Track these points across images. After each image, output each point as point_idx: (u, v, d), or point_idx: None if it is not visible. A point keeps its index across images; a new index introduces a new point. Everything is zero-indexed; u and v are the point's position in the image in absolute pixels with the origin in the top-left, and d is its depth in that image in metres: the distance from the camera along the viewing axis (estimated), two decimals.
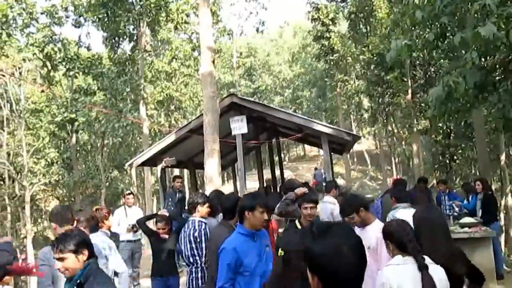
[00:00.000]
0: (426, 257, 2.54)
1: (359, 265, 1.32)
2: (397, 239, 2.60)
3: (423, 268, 2.41)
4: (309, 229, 1.46)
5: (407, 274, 2.44)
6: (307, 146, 47.24)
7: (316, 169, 26.95)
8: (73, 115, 19.72)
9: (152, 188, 21.46)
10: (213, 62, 7.22)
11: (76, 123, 20.24)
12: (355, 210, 3.58)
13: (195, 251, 4.20)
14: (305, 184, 11.65)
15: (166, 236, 5.40)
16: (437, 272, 2.48)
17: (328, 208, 6.18)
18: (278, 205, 4.90)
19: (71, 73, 19.17)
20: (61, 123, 20.88)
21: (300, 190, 4.74)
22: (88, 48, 20.82)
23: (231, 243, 3.17)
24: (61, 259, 2.46)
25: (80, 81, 21.77)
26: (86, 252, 2.48)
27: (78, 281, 2.43)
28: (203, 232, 4.20)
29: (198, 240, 4.17)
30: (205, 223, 4.33)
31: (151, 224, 6.43)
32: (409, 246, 2.54)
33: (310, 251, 1.37)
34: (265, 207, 3.31)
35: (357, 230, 3.61)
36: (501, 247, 8.70)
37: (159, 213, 6.05)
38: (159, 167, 9.20)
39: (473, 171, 18.58)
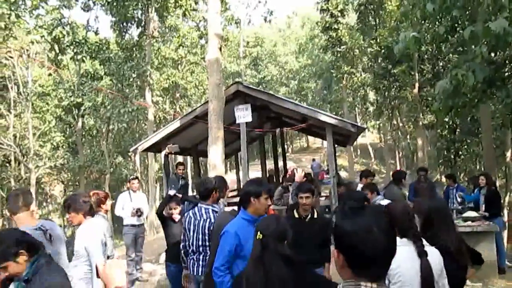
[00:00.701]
0: (424, 241, 2.57)
1: (387, 246, 1.34)
2: (401, 223, 2.59)
3: (422, 255, 2.45)
4: (341, 208, 1.54)
5: (405, 256, 2.44)
6: (310, 138, 47.22)
7: (314, 160, 27.21)
8: (79, 100, 19.74)
9: (156, 175, 21.55)
10: (220, 49, 7.19)
11: (83, 108, 20.26)
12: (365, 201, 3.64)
13: (207, 242, 4.05)
14: (307, 175, 11.69)
15: (178, 217, 5.24)
16: (433, 255, 2.52)
17: None
18: (290, 197, 4.99)
19: (79, 57, 19.14)
20: (67, 107, 20.92)
21: (300, 177, 4.83)
22: (96, 33, 20.77)
23: (233, 227, 3.18)
24: (3, 269, 2.32)
25: (87, 66, 21.77)
26: (24, 252, 2.33)
27: (26, 278, 2.33)
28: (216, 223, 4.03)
29: (211, 232, 3.99)
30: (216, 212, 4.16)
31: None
32: (410, 232, 2.57)
33: (340, 229, 1.37)
34: (270, 193, 3.34)
35: None
36: (504, 243, 8.68)
37: (170, 191, 5.89)
38: (162, 154, 9.21)
39: (478, 167, 18.51)
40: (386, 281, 2.38)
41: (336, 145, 15.57)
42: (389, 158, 31.91)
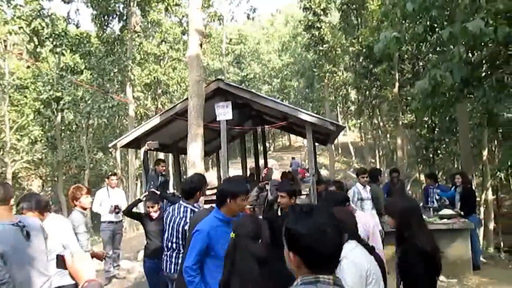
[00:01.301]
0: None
1: (340, 244, 1.46)
2: (350, 227, 2.69)
3: (373, 251, 2.63)
4: (292, 211, 1.54)
5: (367, 255, 2.60)
6: (292, 136, 47.39)
7: (293, 158, 27.44)
8: (59, 94, 19.36)
9: (136, 172, 21.33)
10: (201, 45, 7.12)
11: (62, 102, 19.87)
12: (338, 205, 3.61)
13: (181, 240, 4.07)
14: (288, 174, 11.71)
15: (156, 215, 5.26)
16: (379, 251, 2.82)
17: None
18: (269, 193, 5.00)
19: (58, 50, 18.77)
20: (46, 101, 20.47)
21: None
22: (77, 26, 20.40)
23: (205, 225, 3.11)
24: None
25: (67, 59, 21.37)
26: None
27: None
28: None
29: (186, 233, 3.98)
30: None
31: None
32: (356, 234, 2.72)
33: (294, 231, 1.44)
34: (247, 194, 3.28)
35: None
36: (479, 240, 8.87)
37: (142, 196, 5.93)
38: (142, 150, 9.11)
39: (455, 166, 18.84)
40: (362, 284, 2.44)
41: (317, 144, 15.67)
42: (370, 156, 32.29)
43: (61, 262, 1.65)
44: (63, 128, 23.03)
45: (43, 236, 3.17)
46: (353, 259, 2.49)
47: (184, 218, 4.03)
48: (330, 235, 1.40)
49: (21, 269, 2.84)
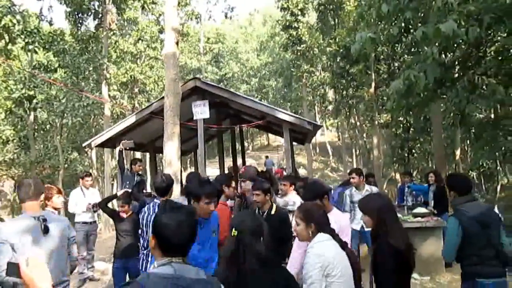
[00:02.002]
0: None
1: (191, 237, 1.80)
2: (320, 221, 2.75)
3: (345, 246, 2.66)
4: (163, 205, 1.87)
5: (336, 249, 2.62)
6: (271, 136, 47.50)
7: (267, 157, 27.65)
8: (31, 92, 18.89)
9: (112, 172, 21.00)
10: (177, 43, 7.05)
11: (35, 101, 19.40)
12: (319, 197, 3.61)
13: None
14: (265, 172, 11.70)
15: (125, 215, 5.30)
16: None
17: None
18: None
19: (31, 47, 18.28)
20: (18, 100, 19.96)
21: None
22: (50, 23, 19.90)
23: None
24: None
25: (40, 57, 20.86)
26: None
27: None
28: None
29: None
30: None
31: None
32: (327, 227, 2.74)
33: (160, 220, 1.78)
34: (212, 197, 3.21)
35: None
36: None
37: (119, 192, 5.89)
38: (117, 150, 8.98)
39: (430, 165, 19.24)
40: (323, 275, 2.46)
41: (295, 143, 15.74)
42: (347, 156, 32.63)
43: (13, 269, 1.50)
44: (36, 127, 22.50)
45: (61, 235, 3.17)
46: (317, 251, 2.58)
47: None
48: (184, 229, 1.76)
49: None
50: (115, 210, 5.69)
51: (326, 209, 3.59)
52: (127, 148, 7.64)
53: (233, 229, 2.42)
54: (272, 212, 4.23)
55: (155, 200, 4.17)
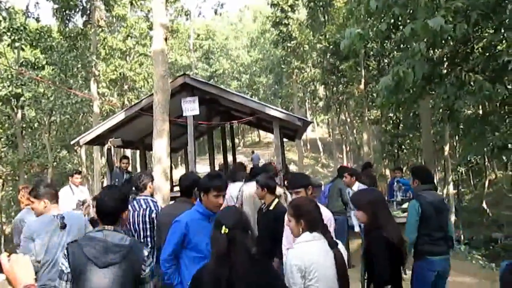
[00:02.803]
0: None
1: (115, 211, 2.47)
2: (310, 217, 2.62)
3: (334, 246, 2.52)
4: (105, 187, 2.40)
5: (318, 250, 2.50)
6: (262, 132, 47.53)
7: (253, 152, 27.81)
8: (18, 90, 18.64)
9: (102, 170, 20.86)
10: (166, 40, 7.01)
11: (22, 99, 19.16)
12: (304, 186, 3.63)
13: (150, 232, 4.09)
14: (268, 165, 11.67)
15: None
16: (340, 246, 2.62)
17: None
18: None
19: (17, 44, 18.05)
20: (5, 98, 19.69)
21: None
22: (37, 20, 19.64)
23: (185, 217, 3.11)
24: None
25: (27, 54, 20.59)
26: None
27: None
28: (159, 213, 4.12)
29: (155, 221, 4.04)
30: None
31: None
32: (320, 225, 2.62)
33: (98, 197, 2.61)
34: (221, 190, 3.19)
35: None
36: None
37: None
38: (105, 148, 8.92)
39: (419, 160, 19.39)
40: (301, 277, 2.42)
41: (285, 140, 15.77)
42: (337, 152, 32.80)
43: None
44: (24, 125, 22.21)
45: (81, 229, 3.37)
46: (295, 252, 2.53)
47: (148, 208, 4.13)
48: (109, 202, 2.44)
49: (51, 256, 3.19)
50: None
51: None
52: (115, 146, 7.60)
53: (223, 226, 2.31)
54: (271, 208, 4.24)
55: (139, 197, 4.22)
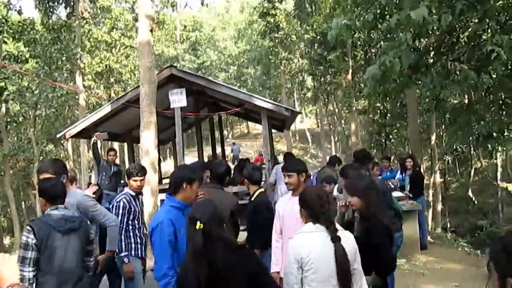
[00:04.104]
0: (337, 224, 2.58)
1: (60, 192, 3.02)
2: (312, 208, 2.54)
3: (336, 240, 2.40)
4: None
5: (317, 242, 2.43)
6: (251, 124, 47.48)
7: (234, 144, 27.98)
8: (2, 84, 18.32)
9: (90, 163, 20.68)
10: (152, 31, 6.94)
11: (6, 92, 18.84)
12: (298, 171, 3.59)
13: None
14: (246, 160, 11.70)
15: None
16: (348, 240, 2.51)
17: None
18: None
19: None
20: None
21: None
22: (19, 12, 19.27)
23: (166, 215, 2.90)
24: None
25: (10, 47, 20.21)
26: None
27: None
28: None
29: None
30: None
31: None
32: (322, 217, 2.49)
33: (41, 183, 3.15)
34: (202, 181, 3.24)
35: (288, 196, 3.67)
36: (428, 221, 9.29)
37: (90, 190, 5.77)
38: (91, 142, 8.85)
39: (406, 150, 19.57)
40: (298, 268, 2.39)
41: (274, 131, 15.77)
42: (326, 142, 32.93)
43: None
44: (8, 120, 21.88)
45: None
46: (295, 242, 2.49)
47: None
48: (57, 186, 3.00)
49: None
50: None
51: (299, 188, 3.57)
52: (101, 140, 7.56)
53: (197, 222, 2.24)
54: (252, 199, 4.25)
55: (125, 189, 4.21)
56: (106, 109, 8.70)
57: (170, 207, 2.97)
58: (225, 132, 39.43)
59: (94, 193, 4.26)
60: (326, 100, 27.10)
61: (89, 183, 7.19)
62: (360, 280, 2.52)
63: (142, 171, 4.10)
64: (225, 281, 2.16)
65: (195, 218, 2.27)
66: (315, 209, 2.51)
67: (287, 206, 3.55)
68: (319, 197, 2.55)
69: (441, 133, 20.99)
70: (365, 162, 5.36)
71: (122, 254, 3.96)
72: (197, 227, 2.23)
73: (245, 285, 2.19)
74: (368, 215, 2.97)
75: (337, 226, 2.55)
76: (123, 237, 3.92)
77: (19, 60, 19.75)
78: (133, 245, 4.02)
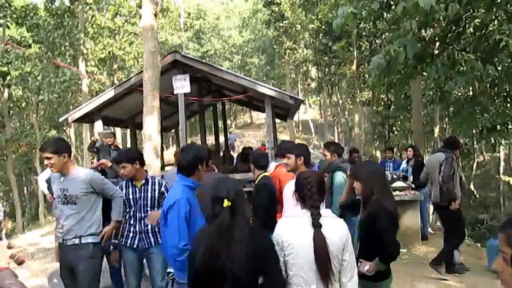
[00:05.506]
0: (327, 211, 2.49)
1: None
2: (299, 190, 2.50)
3: (316, 226, 2.32)
4: None
5: (300, 227, 2.36)
6: (254, 114, 47.41)
7: (230, 133, 28.21)
8: (4, 68, 18.29)
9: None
10: (155, 15, 6.88)
11: (8, 77, 18.81)
12: (296, 154, 3.68)
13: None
14: (249, 149, 11.69)
15: None
16: (339, 228, 2.41)
17: None
18: None
19: (2, 21, 17.59)
20: None
21: None
22: None
23: (182, 194, 2.90)
24: None
25: (13, 32, 20.13)
26: None
27: None
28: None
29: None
30: None
31: None
32: (308, 201, 2.42)
33: None
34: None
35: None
36: (429, 212, 9.27)
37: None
38: (95, 132, 8.88)
39: (409, 142, 19.50)
40: (280, 251, 2.33)
41: (278, 120, 15.74)
42: (329, 134, 32.89)
43: None
44: (11, 105, 21.90)
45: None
46: (279, 225, 2.46)
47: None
48: None
49: None
50: None
51: (295, 171, 3.78)
52: (105, 138, 7.63)
53: (224, 200, 2.21)
54: (256, 182, 4.31)
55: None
56: (110, 93, 8.67)
57: (184, 186, 2.98)
58: (228, 122, 39.38)
59: (96, 167, 4.33)
60: (330, 91, 27.00)
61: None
62: (350, 272, 2.40)
63: (125, 157, 3.95)
64: (240, 258, 2.13)
65: (221, 196, 2.24)
66: (302, 192, 2.46)
67: (289, 189, 3.60)
68: (308, 180, 2.47)
69: (444, 126, 20.90)
70: (453, 148, 5.85)
71: (111, 241, 3.98)
72: (225, 204, 2.20)
73: (253, 266, 2.16)
74: (370, 201, 2.96)
75: (328, 213, 2.47)
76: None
77: (22, 45, 19.70)
78: (125, 233, 3.99)
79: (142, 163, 4.09)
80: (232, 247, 2.13)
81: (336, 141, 31.99)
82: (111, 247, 4.07)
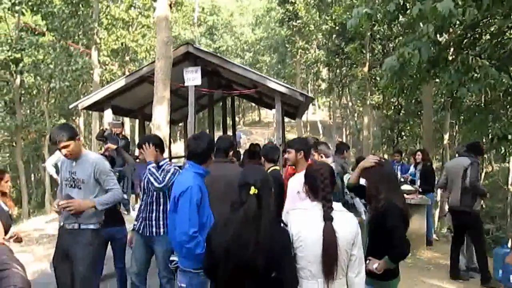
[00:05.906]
0: (338, 204, 2.43)
1: None
2: (311, 183, 2.46)
3: (327, 219, 2.28)
4: None
5: (310, 220, 2.32)
6: (262, 112, 47.42)
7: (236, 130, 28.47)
8: (18, 55, 18.38)
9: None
10: (170, 6, 6.88)
11: (21, 64, 18.91)
12: (296, 148, 3.73)
13: None
14: (256, 145, 11.64)
15: None
16: (349, 223, 2.37)
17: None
18: None
19: (17, 8, 17.67)
20: (4, 63, 19.41)
21: None
22: None
23: (194, 181, 2.88)
24: None
25: (27, 20, 20.23)
26: None
27: None
28: None
29: None
30: None
31: None
32: (320, 193, 2.37)
33: None
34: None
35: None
36: (434, 218, 9.21)
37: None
38: (105, 118, 8.90)
39: (418, 147, 19.39)
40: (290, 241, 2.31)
41: (286, 119, 15.69)
42: (337, 135, 32.77)
43: None
44: (22, 91, 22.02)
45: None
46: (289, 217, 2.43)
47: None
48: None
49: None
50: None
51: (296, 166, 3.86)
52: (113, 128, 7.65)
53: (251, 187, 2.19)
54: None
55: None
56: (120, 82, 8.70)
57: (195, 174, 2.96)
58: (236, 119, 39.42)
59: (104, 152, 4.29)
60: (340, 92, 26.90)
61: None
62: (358, 267, 2.36)
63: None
64: (267, 251, 2.11)
65: (249, 183, 2.22)
66: (314, 183, 2.42)
67: (291, 183, 3.69)
68: (320, 172, 2.44)
69: (454, 134, 20.73)
70: (476, 154, 5.92)
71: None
72: (252, 192, 2.18)
73: (272, 260, 2.13)
74: (377, 198, 2.92)
75: (338, 206, 2.42)
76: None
77: (36, 33, 19.78)
78: (138, 217, 4.00)
79: (162, 149, 4.04)
80: (260, 238, 2.10)
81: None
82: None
